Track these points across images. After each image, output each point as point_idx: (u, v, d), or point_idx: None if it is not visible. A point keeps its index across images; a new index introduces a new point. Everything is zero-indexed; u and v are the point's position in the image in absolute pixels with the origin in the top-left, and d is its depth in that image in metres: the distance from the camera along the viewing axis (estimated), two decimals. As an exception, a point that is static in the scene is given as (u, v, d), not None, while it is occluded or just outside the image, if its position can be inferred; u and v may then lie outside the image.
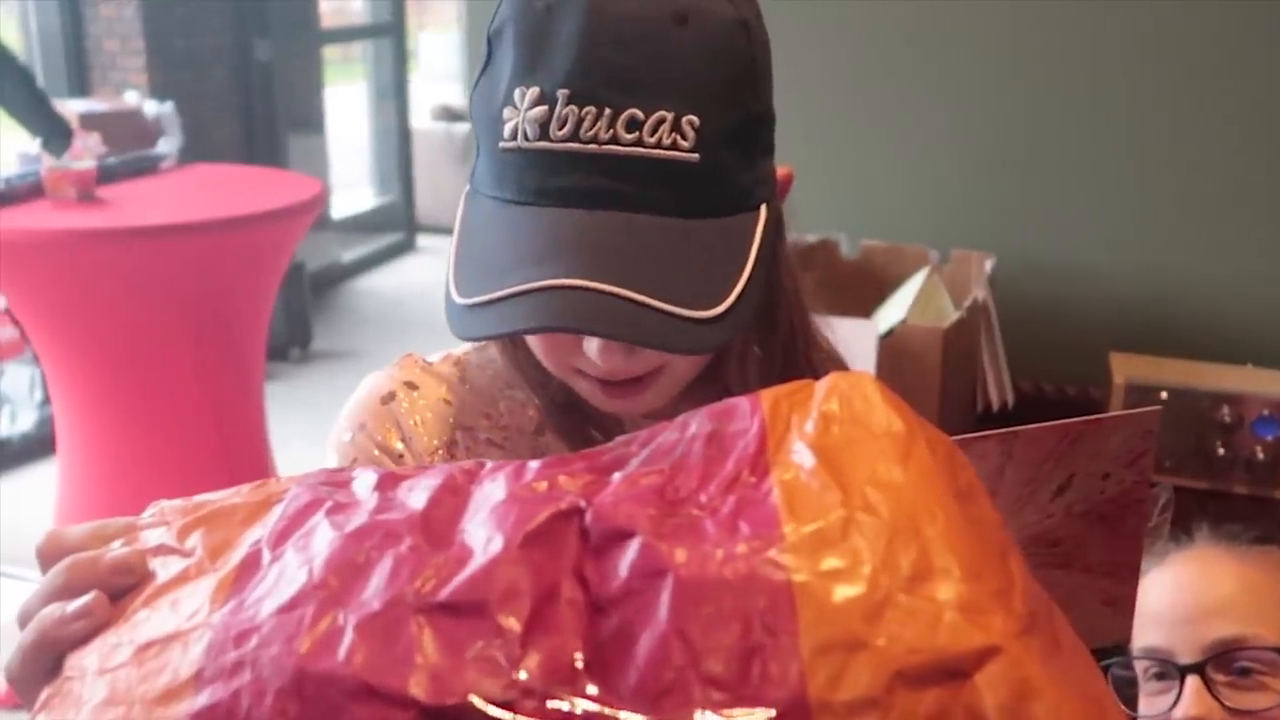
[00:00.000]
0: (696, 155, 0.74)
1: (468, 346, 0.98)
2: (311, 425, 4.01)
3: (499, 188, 0.78)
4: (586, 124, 0.73)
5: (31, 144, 3.42)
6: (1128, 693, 1.10)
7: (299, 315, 5.10)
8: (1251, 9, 1.98)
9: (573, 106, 0.73)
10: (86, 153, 3.10)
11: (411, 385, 0.92)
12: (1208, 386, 1.83)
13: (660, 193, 0.75)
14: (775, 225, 0.83)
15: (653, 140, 0.74)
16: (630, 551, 0.48)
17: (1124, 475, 0.75)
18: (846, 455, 0.49)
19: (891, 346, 1.73)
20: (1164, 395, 1.82)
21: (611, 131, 0.73)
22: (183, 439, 2.99)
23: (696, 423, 0.53)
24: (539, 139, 0.74)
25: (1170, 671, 1.07)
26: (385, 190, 7.20)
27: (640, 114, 0.73)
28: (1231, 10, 1.99)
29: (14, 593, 3.14)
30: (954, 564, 0.46)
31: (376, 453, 0.90)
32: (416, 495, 0.53)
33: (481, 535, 0.50)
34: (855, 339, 1.66)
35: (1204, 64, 2.03)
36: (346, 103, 7.77)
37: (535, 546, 0.48)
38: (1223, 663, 1.05)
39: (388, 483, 0.55)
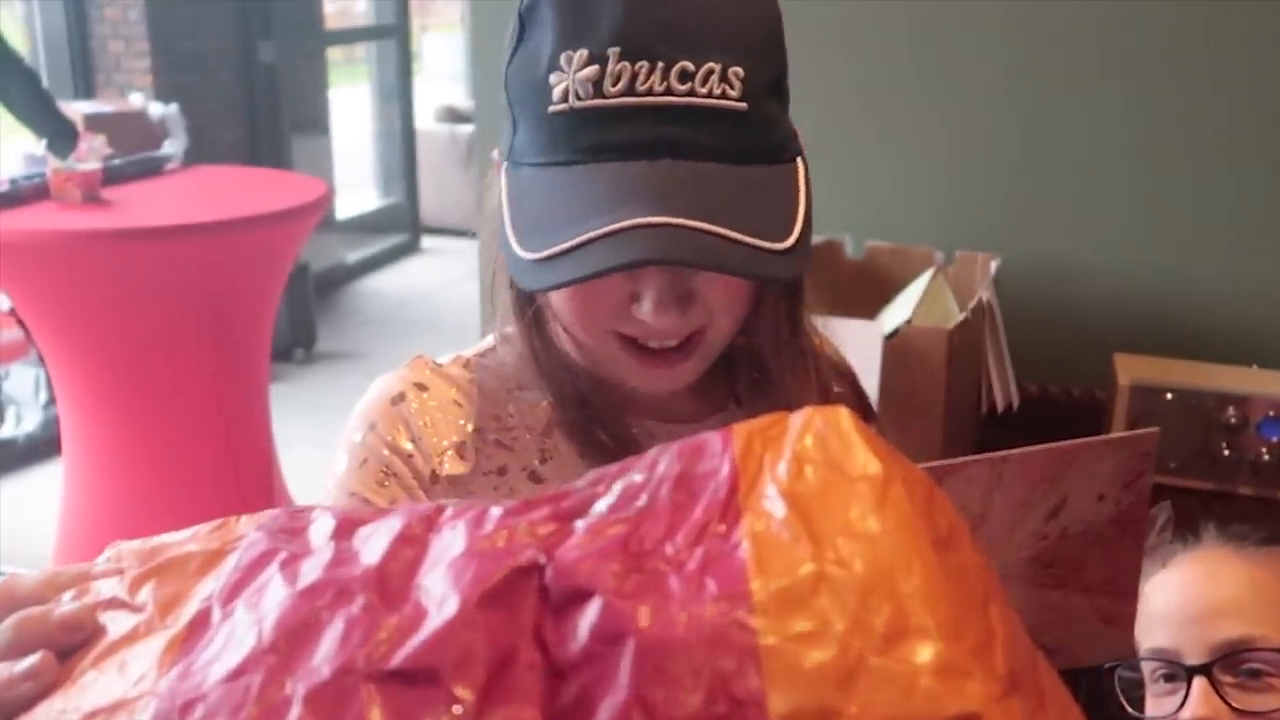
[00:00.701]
0: (744, 104, 0.77)
1: (478, 348, 0.98)
2: (316, 426, 4.02)
3: (549, 152, 0.79)
4: (641, 77, 0.75)
5: (37, 145, 3.43)
6: (1134, 694, 1.10)
7: (303, 316, 5.11)
8: (1258, 10, 1.98)
9: (625, 63, 0.75)
10: (91, 154, 3.10)
11: (421, 386, 0.93)
12: (1213, 388, 1.82)
13: (715, 140, 0.77)
14: (808, 177, 0.85)
15: (704, 90, 0.76)
16: (590, 613, 0.46)
17: (1121, 496, 0.74)
18: (819, 502, 0.47)
19: (896, 347, 1.72)
20: (1169, 396, 1.81)
21: (666, 83, 0.76)
22: (187, 440, 3.00)
23: (666, 462, 0.51)
24: (592, 97, 0.76)
25: (1178, 672, 1.06)
26: (389, 191, 7.21)
27: (691, 65, 0.76)
28: (1238, 11, 1.99)
29: (19, 593, 3.14)
30: (931, 622, 0.43)
31: (386, 453, 0.90)
32: (372, 547, 0.51)
33: (437, 593, 0.48)
34: (859, 340, 1.66)
35: (1212, 65, 2.02)
36: (350, 104, 7.78)
37: (492, 607, 0.46)
38: (1230, 664, 1.04)
39: (344, 530, 0.53)
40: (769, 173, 0.80)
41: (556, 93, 0.77)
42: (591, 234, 0.74)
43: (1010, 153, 2.16)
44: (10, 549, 3.36)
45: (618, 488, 0.51)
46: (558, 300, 0.86)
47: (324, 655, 0.46)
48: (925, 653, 0.43)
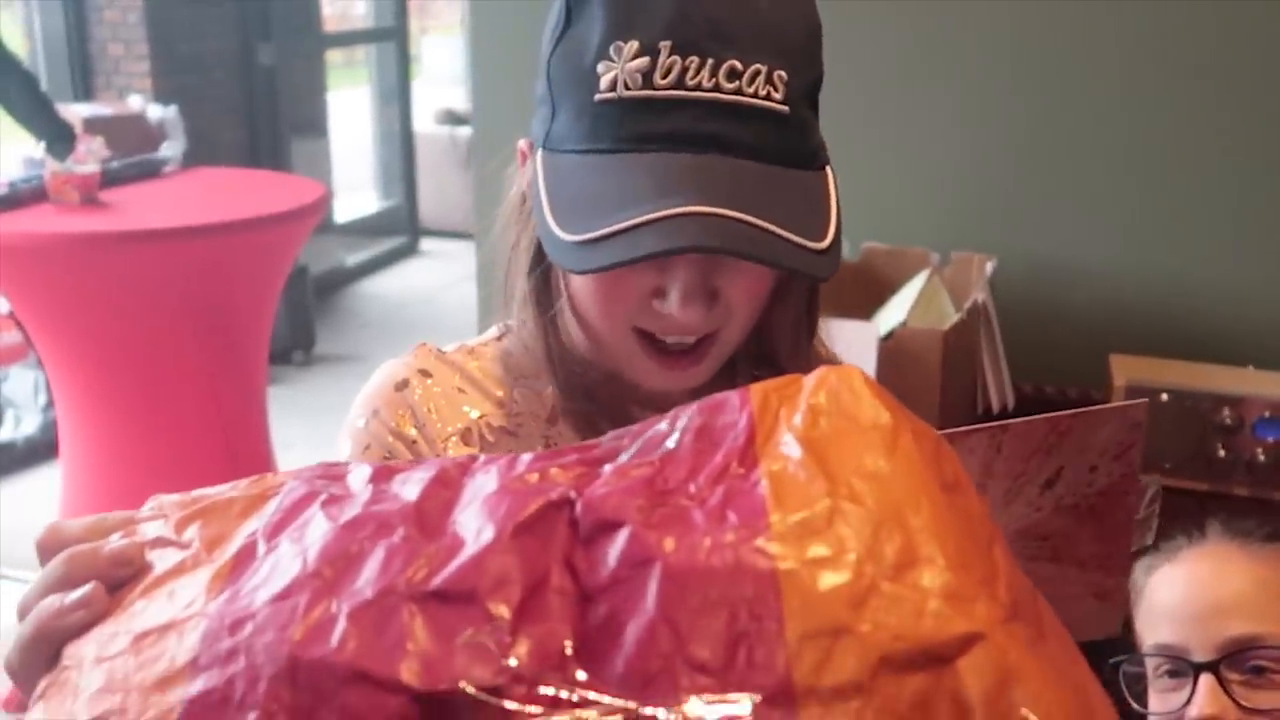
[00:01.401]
0: (787, 107, 0.79)
1: (482, 338, 0.99)
2: (314, 428, 4.02)
3: (591, 140, 0.80)
4: (691, 71, 0.77)
5: (35, 148, 3.43)
6: (1137, 688, 1.10)
7: (302, 319, 5.11)
8: (1255, 12, 1.98)
9: (676, 57, 0.77)
10: (90, 156, 3.11)
11: (426, 373, 0.93)
12: (1208, 388, 1.82)
13: (758, 139, 0.79)
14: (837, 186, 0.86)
15: (751, 90, 0.78)
16: (619, 541, 0.48)
17: (1112, 468, 0.75)
18: (833, 447, 0.49)
19: (891, 348, 1.73)
20: (1164, 397, 1.82)
21: (714, 80, 0.77)
22: (186, 442, 3.00)
23: (687, 416, 0.54)
24: (641, 88, 0.77)
25: (1183, 669, 1.06)
26: (388, 194, 7.21)
27: (739, 65, 0.77)
28: (1234, 13, 1.99)
29: (16, 595, 3.14)
30: (938, 552, 0.46)
31: (390, 439, 0.90)
32: (410, 488, 0.54)
33: (473, 525, 0.50)
34: (855, 341, 1.66)
35: (1206, 67, 2.03)
36: (349, 107, 7.79)
37: (526, 536, 0.49)
38: (1237, 661, 1.04)
39: (382, 476, 0.55)
40: (805, 177, 0.82)
41: (605, 81, 0.78)
42: (641, 218, 0.75)
43: (1006, 155, 2.17)
44: (9, 551, 3.36)
45: (641, 440, 0.54)
46: (581, 291, 0.87)
47: (367, 578, 0.49)
48: (933, 579, 0.45)
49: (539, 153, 0.85)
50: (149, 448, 2.99)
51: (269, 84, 5.60)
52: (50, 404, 3.68)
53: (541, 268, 0.90)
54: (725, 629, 0.45)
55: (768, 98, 0.78)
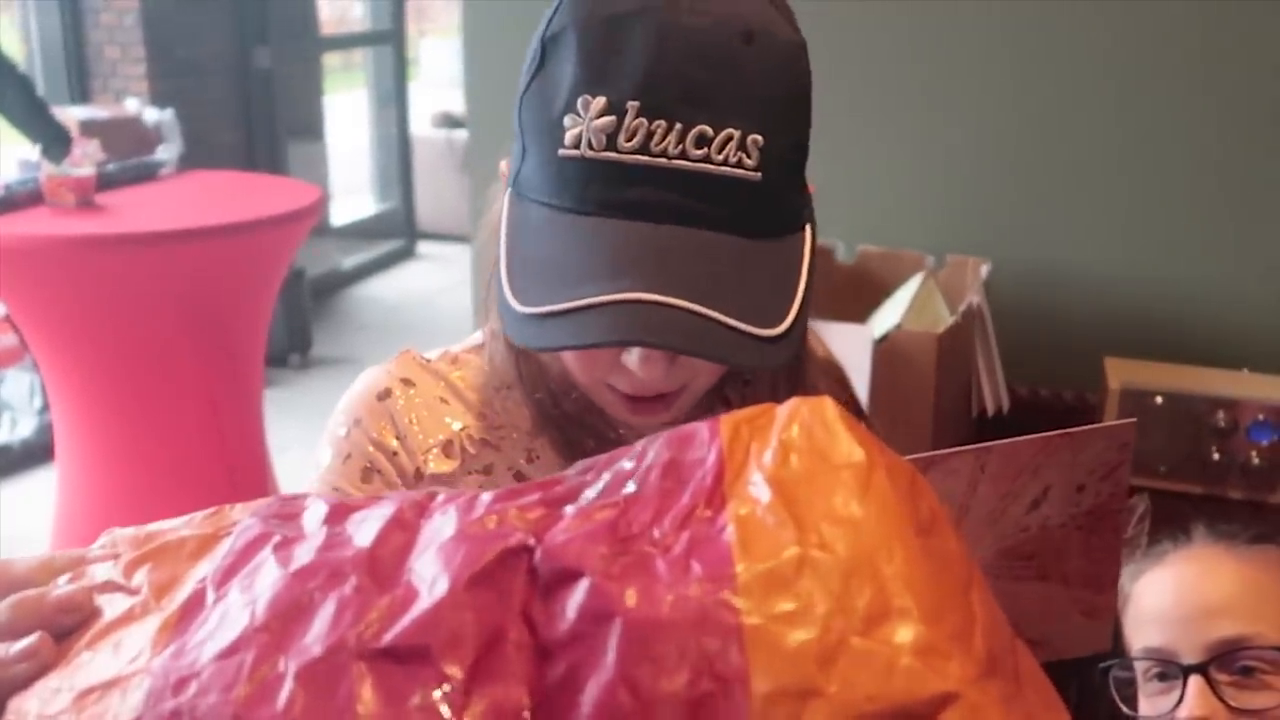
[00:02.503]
0: (759, 175, 0.75)
1: (465, 343, 0.98)
2: (311, 431, 4.00)
3: (556, 196, 0.78)
4: (657, 137, 0.73)
5: (31, 150, 3.43)
6: (1127, 692, 1.10)
7: (299, 322, 5.11)
8: (1248, 17, 1.99)
9: (643, 119, 0.73)
10: (86, 159, 3.11)
11: (408, 382, 0.93)
12: (1203, 391, 1.83)
13: (724, 210, 0.75)
14: (815, 240, 0.83)
15: (720, 158, 0.74)
16: (579, 593, 0.46)
17: (1100, 488, 0.74)
18: (804, 488, 0.48)
19: (886, 351, 1.73)
20: (1159, 400, 1.82)
21: (681, 146, 0.73)
22: (182, 445, 3.00)
23: (654, 451, 0.52)
24: (605, 149, 0.74)
25: (1172, 672, 1.06)
26: (385, 197, 7.21)
27: (710, 130, 0.73)
28: (1229, 16, 2.00)
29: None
30: (912, 604, 0.44)
31: (371, 449, 0.90)
32: (365, 530, 0.52)
33: (428, 574, 0.48)
34: (850, 344, 1.67)
35: (1201, 71, 2.03)
36: (346, 110, 7.79)
37: (482, 587, 0.47)
38: (1226, 663, 1.04)
39: (337, 516, 0.53)
40: (773, 246, 0.78)
41: (569, 136, 0.75)
42: (590, 301, 0.73)
43: (1001, 158, 2.17)
44: (5, 554, 3.36)
45: (606, 476, 0.52)
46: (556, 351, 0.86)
47: (316, 634, 0.47)
48: (905, 634, 0.43)
49: (508, 193, 0.83)
50: (145, 450, 2.98)
51: (266, 87, 5.59)
52: (46, 407, 3.68)
53: None
54: (687, 690, 0.43)
55: (739, 164, 0.74)
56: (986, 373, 1.93)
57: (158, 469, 2.99)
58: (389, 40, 6.93)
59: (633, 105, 0.73)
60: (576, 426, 0.92)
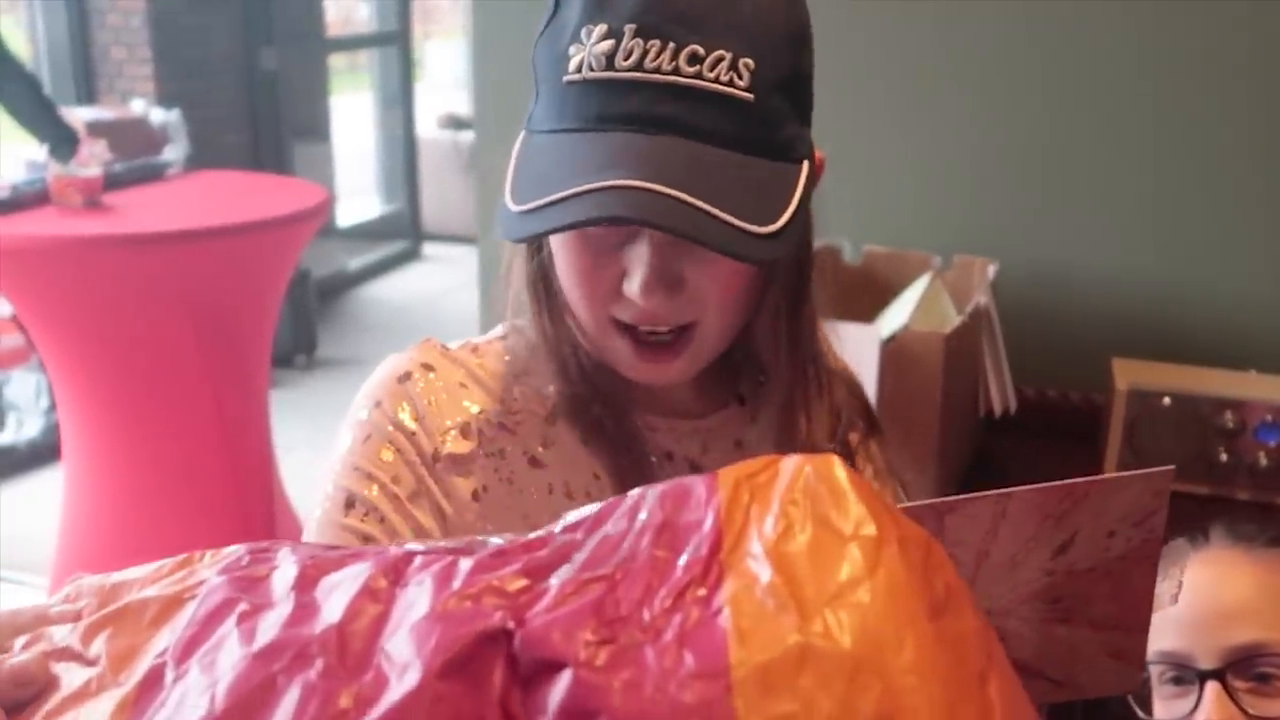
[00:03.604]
0: (751, 95, 0.79)
1: (488, 336, 1.00)
2: (316, 432, 4.01)
3: (559, 120, 0.82)
4: (651, 55, 0.78)
5: (38, 151, 3.44)
6: (1142, 694, 1.10)
7: (305, 323, 5.12)
8: (1258, 16, 1.98)
9: (638, 40, 0.78)
10: (93, 160, 3.11)
11: (429, 367, 0.94)
12: (1210, 392, 1.82)
13: (716, 124, 0.79)
14: (811, 184, 0.85)
15: (712, 75, 0.78)
16: (561, 686, 0.43)
17: (1132, 534, 0.71)
18: (808, 565, 0.44)
19: (893, 352, 1.73)
20: (1166, 401, 1.81)
21: (674, 64, 0.78)
22: (188, 445, 3.00)
23: (647, 508, 0.48)
24: (604, 69, 0.79)
25: (1188, 676, 1.05)
26: (391, 198, 7.22)
27: (701, 50, 0.78)
28: (1237, 17, 1.99)
29: (19, 599, 3.14)
30: (924, 703, 0.41)
31: (390, 429, 0.91)
32: (334, 602, 0.48)
33: (399, 660, 0.45)
34: (857, 344, 1.66)
35: (1208, 71, 2.03)
36: (352, 111, 7.79)
37: (455, 677, 0.44)
38: (1243, 669, 1.03)
39: (307, 580, 0.50)
40: (765, 166, 0.81)
41: (573, 63, 0.80)
42: (572, 190, 0.77)
43: (1008, 158, 2.17)
44: (11, 554, 3.36)
45: (595, 539, 0.48)
46: (563, 278, 0.88)
47: None
48: None
49: (520, 135, 0.87)
50: (151, 451, 2.99)
51: (272, 88, 5.60)
52: (52, 407, 3.68)
53: (537, 260, 0.92)
54: None
55: (730, 83, 0.78)
56: (994, 373, 1.93)
57: (163, 469, 2.99)
58: (394, 42, 6.93)
59: (629, 28, 0.78)
60: (600, 407, 0.93)
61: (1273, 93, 2.01)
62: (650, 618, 0.45)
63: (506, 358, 0.97)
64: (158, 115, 4.45)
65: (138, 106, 4.67)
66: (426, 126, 7.38)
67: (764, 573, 0.44)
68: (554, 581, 0.47)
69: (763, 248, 0.78)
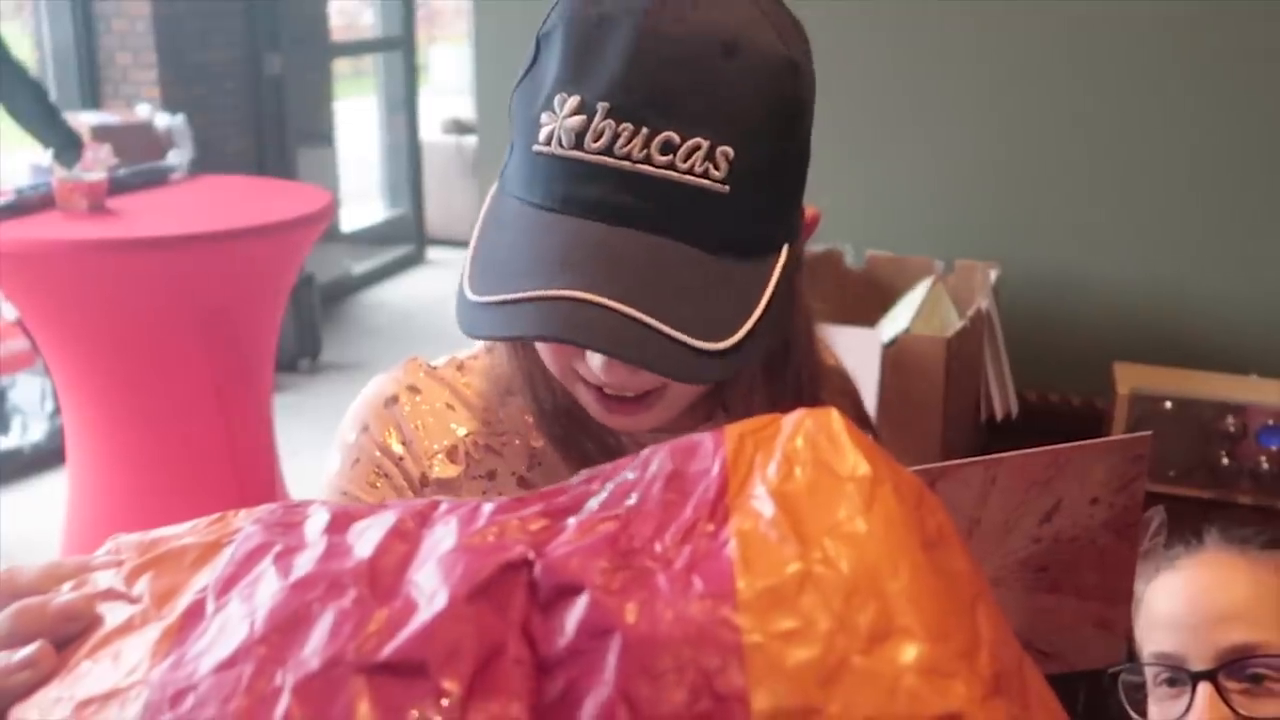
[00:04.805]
0: (726, 187, 0.74)
1: (473, 350, 0.99)
2: (321, 435, 4.02)
3: (527, 190, 0.78)
4: (622, 140, 0.73)
5: (43, 155, 3.45)
6: (1136, 697, 1.10)
7: (309, 327, 5.12)
8: (1260, 21, 1.99)
9: (610, 120, 0.73)
10: (97, 164, 3.12)
11: (414, 389, 0.94)
12: (1212, 396, 1.82)
13: (684, 220, 0.74)
14: (794, 262, 0.82)
15: (685, 166, 0.73)
16: (578, 608, 0.46)
17: (1114, 500, 0.73)
18: (807, 502, 0.47)
19: (895, 356, 1.73)
20: (1168, 405, 1.82)
21: (645, 151, 0.73)
22: (192, 449, 3.00)
23: (658, 461, 0.51)
24: (573, 147, 0.74)
25: (1182, 678, 1.06)
26: (395, 203, 7.22)
27: (676, 138, 0.73)
28: (1240, 22, 2.00)
29: (24, 602, 3.15)
30: (916, 622, 0.43)
31: (378, 454, 0.91)
32: (365, 541, 0.51)
33: (427, 587, 0.48)
34: (859, 348, 1.67)
35: (1209, 75, 2.03)
36: (356, 116, 7.81)
37: (481, 601, 0.47)
38: (1235, 670, 1.04)
39: (339, 525, 0.53)
40: (736, 269, 0.77)
41: (543, 133, 0.76)
42: (525, 294, 0.73)
43: (1009, 163, 2.17)
44: (15, 557, 3.37)
45: (610, 485, 0.51)
46: None
47: (314, 647, 0.47)
48: (909, 653, 0.43)
49: (494, 187, 0.84)
50: (155, 454, 2.99)
51: (276, 93, 5.62)
52: (57, 411, 3.69)
53: None
54: (686, 708, 0.43)
55: (705, 174, 0.73)
56: (995, 377, 1.93)
57: (168, 473, 2.99)
58: (399, 46, 6.94)
59: (602, 106, 0.73)
60: (579, 431, 0.92)
61: (1275, 96, 2.01)
62: (661, 549, 0.47)
63: (491, 374, 0.96)
64: (162, 120, 4.46)
65: (142, 111, 4.68)
66: (430, 131, 7.39)
67: (767, 509, 0.47)
68: (571, 521, 0.50)
69: (713, 367, 0.74)
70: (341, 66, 7.51)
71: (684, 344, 0.73)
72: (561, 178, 0.75)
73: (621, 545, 0.48)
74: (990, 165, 2.18)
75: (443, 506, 0.53)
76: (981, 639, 0.45)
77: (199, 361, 2.94)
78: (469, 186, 6.90)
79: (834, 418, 0.50)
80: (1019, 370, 2.01)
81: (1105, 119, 2.10)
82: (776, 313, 0.78)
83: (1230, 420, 1.80)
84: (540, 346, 0.85)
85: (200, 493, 2.99)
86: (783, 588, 0.44)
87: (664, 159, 0.73)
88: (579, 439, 0.92)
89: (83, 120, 4.28)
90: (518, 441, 0.94)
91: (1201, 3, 2.00)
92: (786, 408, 0.93)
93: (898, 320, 1.90)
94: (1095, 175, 2.13)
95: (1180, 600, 1.10)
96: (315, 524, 0.54)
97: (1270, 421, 1.79)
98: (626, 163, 0.73)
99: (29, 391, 4.26)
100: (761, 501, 0.47)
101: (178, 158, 3.59)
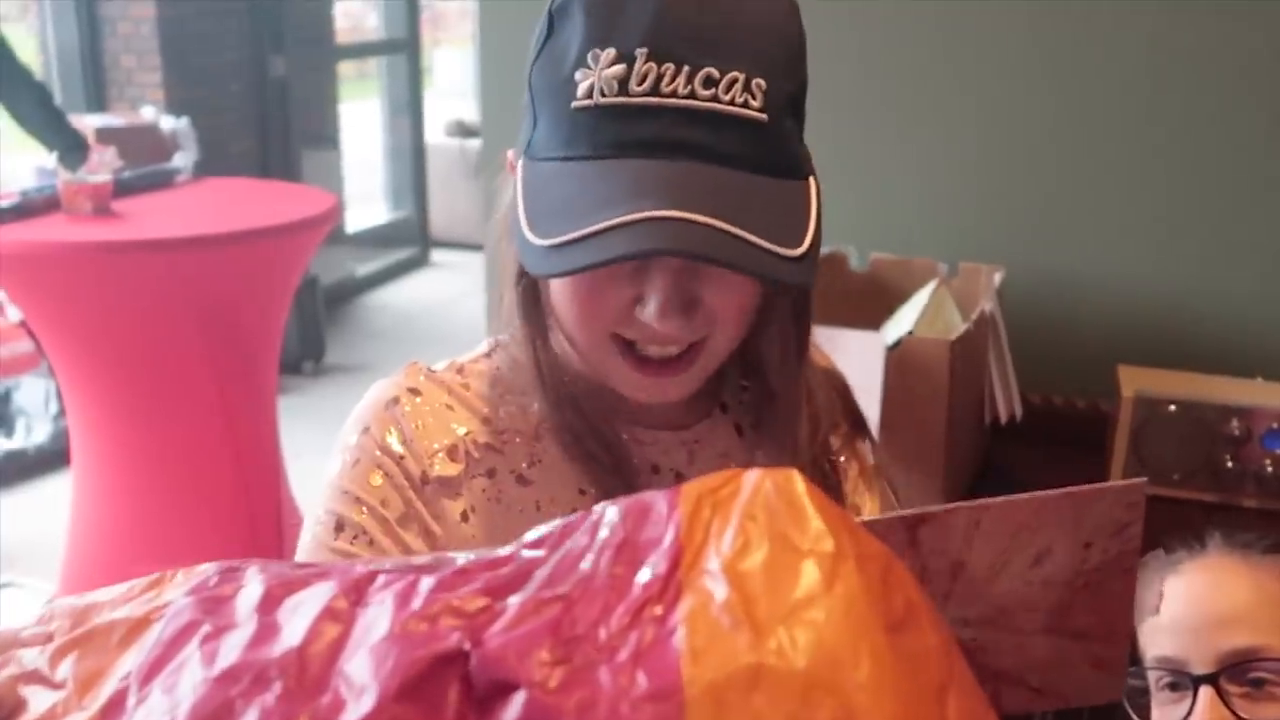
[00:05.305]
0: (765, 115, 0.78)
1: (472, 355, 1.00)
2: (324, 437, 4.00)
3: (568, 147, 0.80)
4: (666, 79, 0.77)
5: (48, 158, 3.45)
6: (1139, 701, 1.10)
7: (313, 329, 5.13)
8: (1264, 22, 1.99)
9: (652, 63, 0.77)
10: (102, 166, 3.12)
11: (415, 391, 0.94)
12: (1217, 399, 1.81)
13: (734, 147, 0.78)
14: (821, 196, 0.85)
15: (727, 98, 0.77)
16: (514, 708, 0.43)
17: (1109, 545, 0.71)
18: (764, 582, 0.44)
19: (899, 359, 1.73)
20: (1172, 408, 1.81)
21: (690, 87, 0.77)
22: (196, 451, 3.01)
23: (608, 525, 0.49)
24: (617, 95, 0.77)
25: (1184, 682, 1.06)
26: (399, 205, 7.23)
27: (716, 72, 0.77)
28: (1243, 26, 1.99)
29: (27, 603, 3.15)
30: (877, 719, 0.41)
31: (378, 453, 0.91)
32: (296, 622, 0.49)
33: (356, 682, 0.45)
34: (863, 351, 1.67)
35: (1214, 77, 2.03)
36: (361, 118, 7.81)
37: (412, 699, 0.44)
38: (1237, 673, 1.04)
39: (272, 600, 0.51)
40: (783, 186, 0.81)
41: (581, 89, 0.78)
42: (607, 223, 0.75)
43: (1014, 165, 2.17)
44: (20, 559, 3.38)
45: (556, 557, 0.49)
46: (561, 300, 0.87)
47: None
48: None
49: (521, 162, 0.85)
50: (159, 456, 2.99)
51: (281, 95, 5.62)
52: (61, 413, 3.70)
53: (527, 278, 0.90)
54: None
55: (745, 105, 0.78)
56: (999, 380, 1.93)
57: (172, 475, 3.00)
58: (403, 49, 6.95)
59: (641, 52, 0.77)
60: (586, 431, 0.93)
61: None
62: (606, 636, 0.45)
63: (492, 376, 0.97)
64: (167, 122, 4.47)
65: (147, 113, 4.69)
66: (435, 133, 7.40)
67: (720, 590, 0.44)
68: (513, 600, 0.47)
69: (795, 271, 0.78)
70: (346, 69, 7.51)
71: (768, 250, 0.76)
72: (610, 125, 0.78)
73: (564, 632, 0.45)
74: (994, 168, 2.18)
75: (380, 579, 0.51)
76: None
77: (203, 363, 2.95)
78: (473, 189, 6.90)
79: (795, 480, 0.48)
80: (1023, 373, 2.01)
81: (1111, 121, 2.09)
82: (822, 235, 0.82)
83: (1235, 424, 1.79)
84: (574, 313, 0.86)
85: (204, 494, 3.00)
86: (733, 684, 0.42)
87: (707, 92, 0.77)
88: (582, 433, 0.92)
89: (88, 122, 4.29)
90: (518, 440, 0.94)
91: (1208, 4, 2.00)
92: (780, 409, 0.94)
93: (902, 323, 1.90)
94: (1100, 178, 2.12)
95: (1182, 605, 1.11)
96: (247, 598, 0.51)
97: (1275, 425, 1.79)
98: (674, 99, 0.77)
99: (33, 393, 4.27)
100: (714, 580, 0.45)
101: (182, 160, 3.60)
